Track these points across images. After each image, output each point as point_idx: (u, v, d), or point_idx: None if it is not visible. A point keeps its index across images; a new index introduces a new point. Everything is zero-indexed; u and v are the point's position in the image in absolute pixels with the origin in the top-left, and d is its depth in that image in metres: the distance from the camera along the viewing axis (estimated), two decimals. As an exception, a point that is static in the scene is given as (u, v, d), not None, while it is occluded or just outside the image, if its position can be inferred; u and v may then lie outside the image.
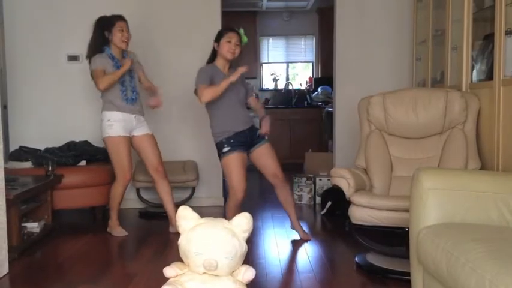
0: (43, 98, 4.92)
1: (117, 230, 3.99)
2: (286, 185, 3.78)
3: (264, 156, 3.67)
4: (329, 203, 4.62)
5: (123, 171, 3.91)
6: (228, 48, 3.59)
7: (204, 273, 2.14)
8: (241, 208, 3.56)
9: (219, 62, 3.66)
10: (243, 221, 2.21)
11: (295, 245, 3.77)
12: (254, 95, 3.96)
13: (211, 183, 5.03)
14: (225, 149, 3.56)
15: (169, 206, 4.02)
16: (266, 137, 3.70)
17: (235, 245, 2.14)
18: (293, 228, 3.89)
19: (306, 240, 3.78)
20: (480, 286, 1.55)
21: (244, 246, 2.20)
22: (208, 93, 3.47)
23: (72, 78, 4.92)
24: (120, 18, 3.93)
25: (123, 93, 3.87)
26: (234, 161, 3.54)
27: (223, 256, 2.11)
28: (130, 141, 3.95)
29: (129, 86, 3.92)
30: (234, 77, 3.46)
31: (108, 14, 5.02)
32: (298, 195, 5.07)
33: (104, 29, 3.90)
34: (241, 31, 3.71)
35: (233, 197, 3.57)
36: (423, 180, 2.15)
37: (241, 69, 3.49)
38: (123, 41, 3.88)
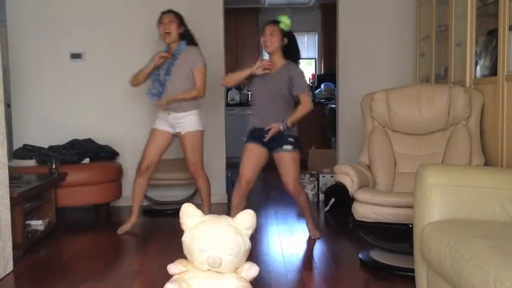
0: (46, 96, 4.93)
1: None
2: (298, 195, 3.68)
3: (279, 164, 3.61)
4: (332, 200, 4.62)
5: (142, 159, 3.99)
6: (263, 42, 3.59)
7: (208, 270, 2.15)
8: (245, 198, 3.63)
9: (270, 58, 3.64)
10: (246, 218, 2.21)
11: (299, 241, 3.77)
12: (306, 92, 3.60)
13: (215, 180, 5.01)
14: (244, 138, 3.73)
15: (203, 207, 3.95)
16: (288, 146, 3.55)
17: (238, 242, 2.15)
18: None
19: (317, 238, 3.77)
20: (484, 282, 1.55)
21: (248, 243, 2.21)
22: (226, 78, 3.77)
23: (75, 76, 4.92)
24: (164, 12, 3.90)
25: (151, 89, 3.90)
26: (246, 150, 3.63)
27: (227, 253, 2.12)
28: (163, 134, 3.93)
29: (157, 81, 3.88)
30: (255, 69, 3.53)
31: (110, 12, 5.04)
32: (302, 192, 5.06)
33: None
34: (280, 17, 3.62)
35: (237, 183, 3.64)
36: (427, 177, 2.14)
37: (263, 63, 3.50)
38: (164, 33, 3.84)
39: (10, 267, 3.10)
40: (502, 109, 2.92)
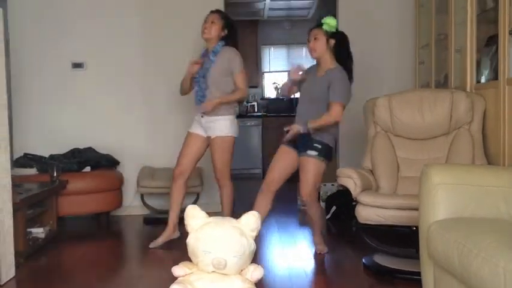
0: (47, 106, 4.93)
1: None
2: (310, 206, 3.52)
3: (300, 168, 3.48)
4: (334, 208, 4.61)
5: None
6: (308, 48, 3.48)
7: (213, 272, 2.13)
8: (268, 201, 3.51)
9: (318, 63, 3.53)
10: (251, 220, 2.20)
11: (303, 247, 3.76)
12: (337, 102, 3.34)
13: (216, 189, 5.00)
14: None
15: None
16: (312, 152, 3.38)
17: (243, 244, 2.13)
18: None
19: (324, 253, 3.58)
20: (494, 274, 1.55)
21: (253, 245, 2.19)
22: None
23: (76, 85, 4.93)
24: (212, 11, 3.83)
25: (196, 94, 3.78)
26: (278, 152, 3.58)
27: (232, 255, 2.10)
28: (198, 138, 3.78)
29: (198, 85, 3.75)
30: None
31: (112, 22, 5.05)
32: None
33: None
34: (325, 19, 3.45)
35: (262, 185, 3.56)
36: (432, 176, 2.15)
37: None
38: (203, 30, 3.74)
39: (12, 273, 3.08)
40: (503, 113, 2.93)
